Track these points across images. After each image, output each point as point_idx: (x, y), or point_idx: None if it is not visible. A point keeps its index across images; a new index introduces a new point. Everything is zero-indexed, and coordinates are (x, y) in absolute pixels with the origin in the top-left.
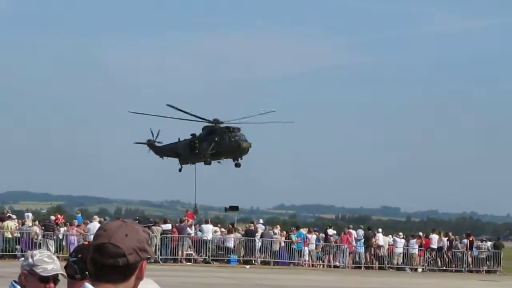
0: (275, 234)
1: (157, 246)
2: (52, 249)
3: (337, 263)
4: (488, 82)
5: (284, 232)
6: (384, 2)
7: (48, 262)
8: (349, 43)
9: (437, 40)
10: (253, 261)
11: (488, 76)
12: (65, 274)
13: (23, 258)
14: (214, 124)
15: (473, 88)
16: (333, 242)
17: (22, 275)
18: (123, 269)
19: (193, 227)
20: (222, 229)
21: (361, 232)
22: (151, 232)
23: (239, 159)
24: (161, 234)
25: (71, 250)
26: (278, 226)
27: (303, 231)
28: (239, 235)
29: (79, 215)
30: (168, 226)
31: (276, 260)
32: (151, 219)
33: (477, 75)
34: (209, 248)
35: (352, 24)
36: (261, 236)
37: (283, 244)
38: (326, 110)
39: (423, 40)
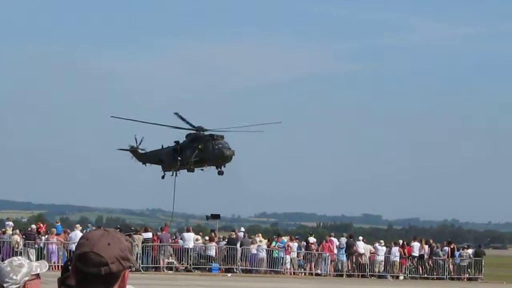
0: (253, 243)
1: (139, 255)
2: (33, 257)
3: (319, 271)
4: (473, 91)
5: (266, 240)
6: (371, 10)
7: (32, 260)
8: (336, 51)
9: (423, 49)
10: (235, 269)
11: (473, 85)
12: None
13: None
14: (198, 132)
15: (456, 97)
16: (314, 250)
17: (26, 286)
18: (106, 278)
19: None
20: (206, 237)
21: (343, 240)
22: (132, 241)
23: (222, 167)
24: (142, 243)
25: (51, 259)
26: (260, 235)
27: (285, 239)
28: (223, 243)
29: (59, 224)
30: (149, 235)
31: (256, 268)
32: (132, 227)
33: (462, 83)
34: (190, 256)
35: (339, 33)
36: (241, 244)
37: (255, 251)
38: (308, 118)
39: (410, 49)
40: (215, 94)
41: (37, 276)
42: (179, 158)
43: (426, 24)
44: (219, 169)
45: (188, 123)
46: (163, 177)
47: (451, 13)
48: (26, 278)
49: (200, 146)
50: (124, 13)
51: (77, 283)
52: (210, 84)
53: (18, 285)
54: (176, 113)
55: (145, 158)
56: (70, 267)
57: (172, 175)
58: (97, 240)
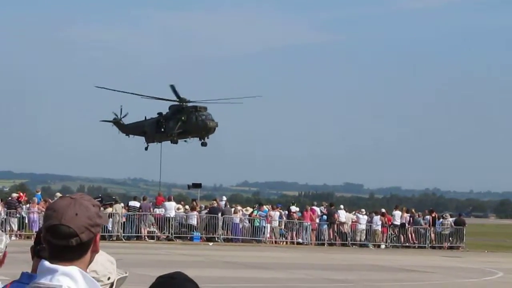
0: (236, 212)
1: (120, 224)
2: (15, 227)
3: (300, 240)
4: (457, 60)
5: (246, 209)
6: None
7: (14, 230)
8: (320, 21)
9: (407, 18)
10: (216, 238)
11: (458, 54)
12: None
13: None
14: (181, 103)
15: (439, 66)
16: (296, 219)
17: (3, 257)
18: (78, 247)
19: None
20: (186, 206)
21: (324, 209)
22: (111, 209)
23: (206, 138)
24: (128, 211)
25: (32, 228)
26: (239, 205)
27: (266, 208)
28: (204, 212)
29: (39, 193)
30: (136, 203)
31: (237, 237)
32: (113, 197)
33: (446, 53)
34: (172, 225)
35: (323, 2)
36: (222, 213)
37: (236, 220)
38: (291, 88)
39: (394, 18)
40: (192, 64)
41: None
42: (162, 129)
43: None
44: (202, 141)
45: (115, 90)
46: (146, 148)
47: None
48: (5, 248)
49: (183, 118)
50: None
51: (49, 254)
52: (188, 54)
53: (1, 253)
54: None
55: (128, 129)
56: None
57: (157, 144)
58: (64, 211)
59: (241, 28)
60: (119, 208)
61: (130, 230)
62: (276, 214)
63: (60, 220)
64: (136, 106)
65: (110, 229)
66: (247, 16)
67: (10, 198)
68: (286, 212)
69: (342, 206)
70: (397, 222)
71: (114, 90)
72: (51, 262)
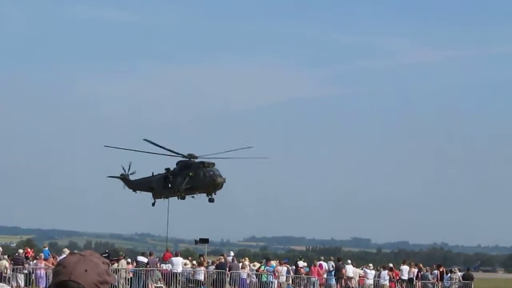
0: (243, 267)
1: (126, 280)
2: (22, 283)
3: None
4: (462, 114)
5: (254, 264)
6: (358, 34)
7: (21, 286)
8: (323, 75)
9: (410, 72)
10: None
11: (462, 108)
12: None
13: None
14: (188, 159)
15: (444, 119)
16: (303, 274)
17: None
18: None
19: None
20: (194, 262)
21: (331, 263)
22: (117, 265)
23: (213, 194)
24: (136, 266)
25: (39, 284)
26: (246, 258)
27: (274, 263)
28: (212, 267)
29: (46, 248)
30: (143, 259)
31: None
32: (121, 253)
33: (452, 107)
34: (179, 281)
35: (325, 56)
36: (230, 269)
37: (244, 275)
38: (296, 141)
39: (397, 72)
40: (197, 119)
41: None
42: (169, 185)
43: (411, 47)
44: (209, 197)
45: (160, 147)
46: (153, 204)
47: (435, 36)
48: None
49: (191, 174)
50: (110, 37)
51: None
52: (191, 109)
53: None
54: (146, 139)
55: (136, 185)
56: None
57: (164, 199)
58: (74, 267)
59: (249, 82)
60: (124, 263)
61: (137, 286)
62: (283, 269)
63: (69, 276)
64: (143, 162)
65: (116, 285)
66: (254, 71)
67: (17, 254)
68: (294, 267)
69: (349, 261)
70: (405, 276)
71: (122, 149)
72: None
